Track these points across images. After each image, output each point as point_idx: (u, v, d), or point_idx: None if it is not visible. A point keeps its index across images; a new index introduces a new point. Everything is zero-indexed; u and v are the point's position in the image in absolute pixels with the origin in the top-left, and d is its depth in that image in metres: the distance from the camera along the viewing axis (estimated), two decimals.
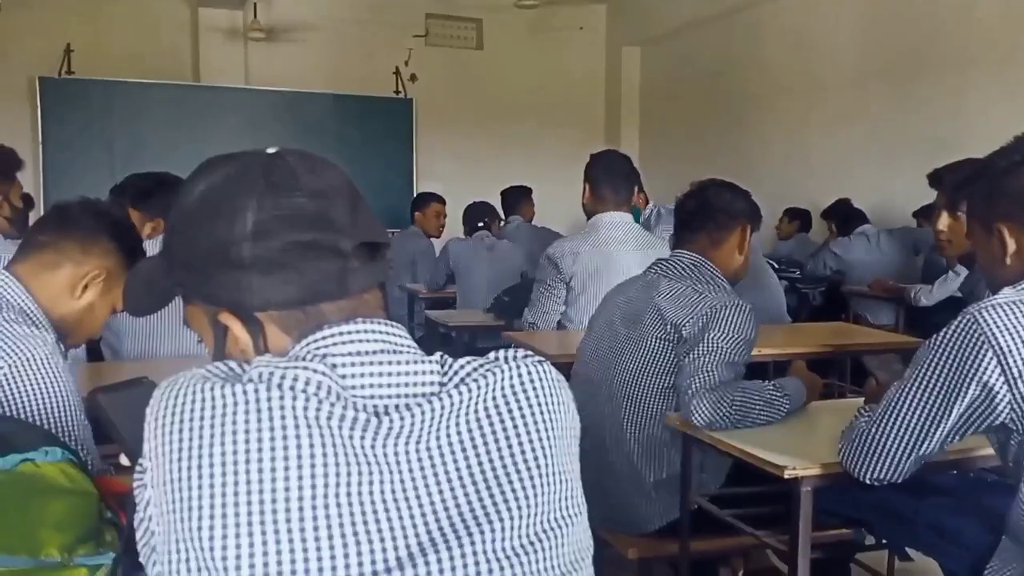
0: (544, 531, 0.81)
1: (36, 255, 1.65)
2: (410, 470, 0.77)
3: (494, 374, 0.83)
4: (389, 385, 0.80)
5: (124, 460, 1.14)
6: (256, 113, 7.70)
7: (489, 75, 8.76)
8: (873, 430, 1.51)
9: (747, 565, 2.51)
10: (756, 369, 2.57)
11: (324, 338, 0.82)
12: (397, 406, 0.79)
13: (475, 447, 0.80)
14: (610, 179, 3.21)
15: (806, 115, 6.74)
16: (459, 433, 0.80)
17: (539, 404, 0.84)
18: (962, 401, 1.39)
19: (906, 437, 1.46)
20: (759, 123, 7.22)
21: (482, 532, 0.77)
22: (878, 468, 1.50)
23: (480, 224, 5.00)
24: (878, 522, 1.89)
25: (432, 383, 0.81)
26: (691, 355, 2.02)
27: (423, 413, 0.79)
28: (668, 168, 7.58)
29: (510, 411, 0.82)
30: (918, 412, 1.44)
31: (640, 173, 3.50)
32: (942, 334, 1.43)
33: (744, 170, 6.30)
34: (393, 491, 0.76)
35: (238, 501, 0.72)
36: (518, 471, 0.80)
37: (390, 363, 0.81)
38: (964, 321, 1.40)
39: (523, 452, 0.81)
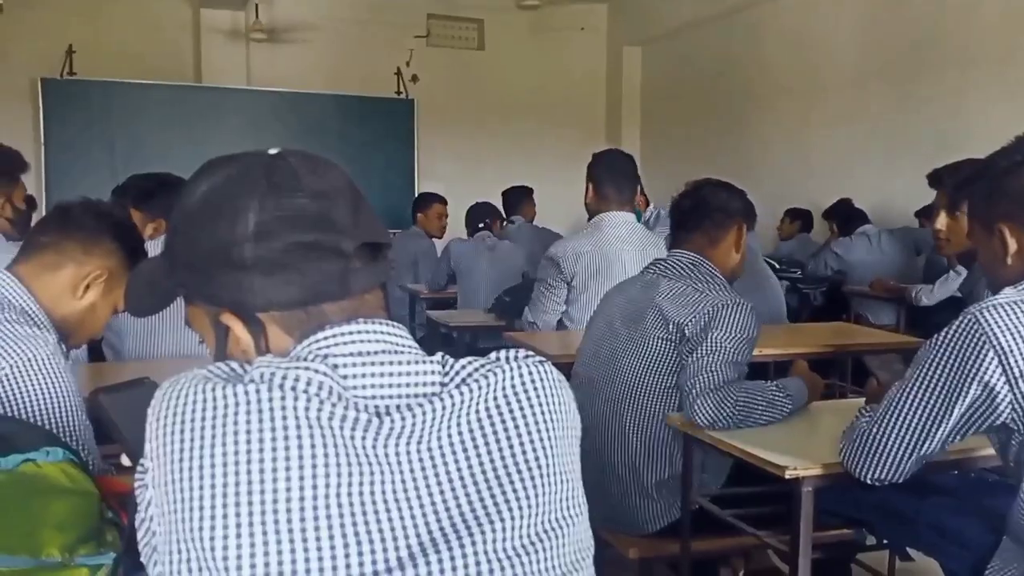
0: (545, 531, 0.81)
1: (38, 256, 1.65)
2: (411, 470, 0.77)
3: (495, 374, 0.83)
4: (390, 385, 0.80)
5: (125, 460, 1.14)
6: (258, 114, 7.70)
7: (490, 75, 8.76)
8: (874, 430, 1.51)
9: (748, 565, 2.51)
10: (757, 369, 2.57)
11: (326, 338, 0.82)
12: (398, 406, 0.79)
13: (476, 447, 0.80)
14: (613, 178, 3.19)
15: (806, 115, 6.74)
16: (460, 433, 0.80)
17: (540, 404, 0.84)
18: (963, 401, 1.39)
19: (907, 437, 1.46)
20: (759, 123, 7.22)
21: (483, 532, 0.77)
22: (879, 468, 1.50)
23: (482, 224, 5.00)
24: (879, 522, 1.89)
25: (433, 383, 0.81)
26: (695, 354, 2.02)
27: (424, 413, 0.79)
28: (669, 168, 7.57)
29: (511, 411, 0.82)
30: (919, 412, 1.44)
31: (640, 174, 3.48)
32: (943, 334, 1.43)
33: (745, 170, 6.30)
34: (394, 491, 0.76)
35: (239, 501, 0.72)
36: (519, 471, 0.81)
37: (391, 363, 0.81)
38: (965, 321, 1.40)
39: (524, 452, 0.81)
